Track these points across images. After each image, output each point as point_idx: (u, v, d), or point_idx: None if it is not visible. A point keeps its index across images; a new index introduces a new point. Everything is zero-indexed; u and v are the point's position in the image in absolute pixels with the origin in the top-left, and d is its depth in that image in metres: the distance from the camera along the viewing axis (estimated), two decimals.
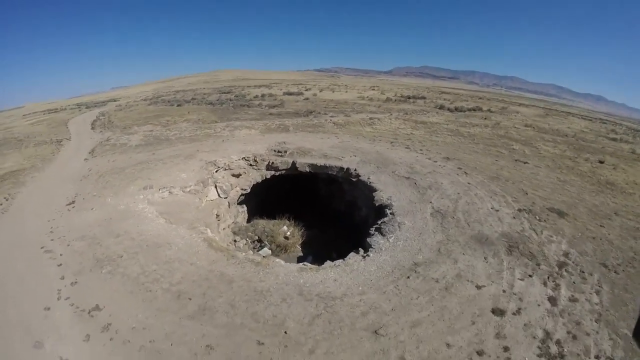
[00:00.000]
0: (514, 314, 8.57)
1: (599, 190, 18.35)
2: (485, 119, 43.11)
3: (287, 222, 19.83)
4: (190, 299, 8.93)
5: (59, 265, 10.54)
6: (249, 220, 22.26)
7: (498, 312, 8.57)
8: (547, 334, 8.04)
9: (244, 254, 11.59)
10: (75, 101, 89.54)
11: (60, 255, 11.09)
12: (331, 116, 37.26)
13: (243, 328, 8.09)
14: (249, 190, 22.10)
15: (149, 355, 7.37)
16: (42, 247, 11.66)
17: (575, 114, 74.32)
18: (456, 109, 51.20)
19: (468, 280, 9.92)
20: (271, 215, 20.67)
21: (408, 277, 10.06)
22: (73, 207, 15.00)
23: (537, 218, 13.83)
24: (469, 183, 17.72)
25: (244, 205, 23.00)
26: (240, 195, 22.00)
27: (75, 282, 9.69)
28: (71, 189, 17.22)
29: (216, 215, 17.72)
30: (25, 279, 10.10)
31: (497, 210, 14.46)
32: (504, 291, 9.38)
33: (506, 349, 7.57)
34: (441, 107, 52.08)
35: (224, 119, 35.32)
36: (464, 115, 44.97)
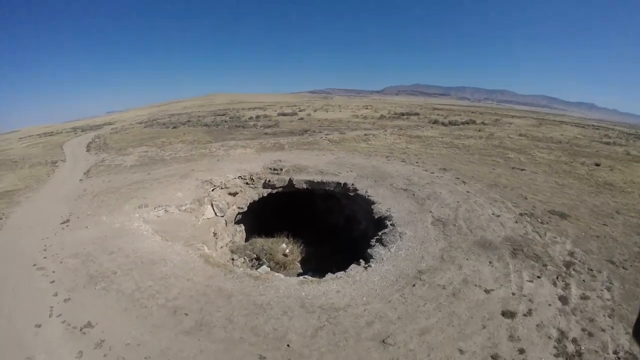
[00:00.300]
0: (524, 315, 8.36)
1: (598, 191, 18.42)
2: (479, 130, 43.77)
3: (286, 239, 19.52)
4: (186, 315, 8.56)
5: (51, 282, 10.18)
6: (247, 240, 21.89)
7: (508, 314, 8.35)
8: (562, 333, 7.81)
9: (242, 269, 11.29)
10: (71, 125, 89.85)
11: (53, 272, 10.73)
12: (326, 134, 37.57)
13: (243, 343, 7.73)
14: (245, 209, 21.88)
15: None
16: (34, 265, 11.31)
17: (568, 122, 75.67)
18: (450, 122, 52.00)
19: (475, 285, 9.66)
20: (269, 234, 20.36)
21: (413, 285, 9.80)
22: (67, 225, 14.69)
23: (540, 221, 13.75)
24: (467, 192, 17.75)
25: (242, 225, 22.71)
26: (238, 214, 21.75)
27: (68, 299, 9.31)
28: (66, 209, 16.94)
29: (213, 233, 17.42)
30: (17, 295, 9.70)
31: (499, 216, 14.39)
32: (513, 294, 9.19)
33: (521, 351, 7.31)
34: (435, 122, 52.92)
35: (219, 139, 35.47)
36: (458, 129, 45.62)
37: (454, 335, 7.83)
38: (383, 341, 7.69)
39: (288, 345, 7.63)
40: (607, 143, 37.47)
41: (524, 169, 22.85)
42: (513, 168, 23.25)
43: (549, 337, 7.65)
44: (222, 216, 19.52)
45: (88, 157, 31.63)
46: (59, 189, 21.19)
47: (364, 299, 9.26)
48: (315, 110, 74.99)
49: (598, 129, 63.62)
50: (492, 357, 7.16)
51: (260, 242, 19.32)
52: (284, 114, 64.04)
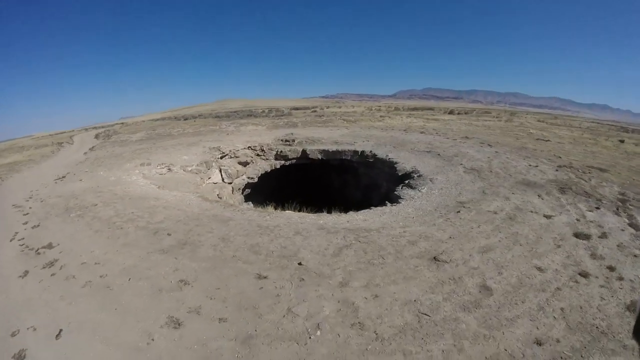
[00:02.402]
0: (600, 237, 6.87)
1: (629, 157, 16.15)
2: (496, 117, 41.36)
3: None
4: (169, 235, 6.84)
5: (25, 215, 8.81)
6: None
7: (582, 236, 6.90)
8: None
9: (246, 206, 9.49)
10: (83, 128, 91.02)
11: (30, 208, 9.34)
12: (340, 117, 35.92)
13: (235, 261, 5.89)
14: (256, 180, 20.14)
15: (93, 291, 5.29)
16: (13, 205, 9.91)
17: (582, 121, 72.10)
18: (465, 112, 49.62)
19: (532, 212, 8.05)
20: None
21: (458, 212, 7.98)
22: (61, 180, 13.32)
23: (580, 171, 12.17)
24: (496, 152, 15.64)
25: (250, 203, 21.03)
26: (246, 186, 20.07)
27: (37, 226, 7.82)
28: (64, 172, 15.67)
29: (218, 195, 15.75)
30: None
31: (536, 166, 12.64)
32: (577, 219, 7.72)
33: (611, 268, 5.78)
34: (450, 112, 50.58)
35: (229, 120, 34.27)
36: (475, 115, 43.26)
37: (524, 254, 6.15)
38: (434, 258, 5.82)
39: (300, 264, 5.72)
40: (626, 131, 34.79)
41: (548, 140, 20.69)
42: (537, 139, 21.10)
43: (635, 256, 6.17)
44: (230, 183, 17.85)
45: (95, 142, 30.81)
46: (61, 160, 20.14)
47: (400, 223, 7.32)
48: (327, 107, 73.64)
49: (614, 126, 60.35)
50: (580, 274, 5.57)
51: None
52: (297, 109, 62.75)
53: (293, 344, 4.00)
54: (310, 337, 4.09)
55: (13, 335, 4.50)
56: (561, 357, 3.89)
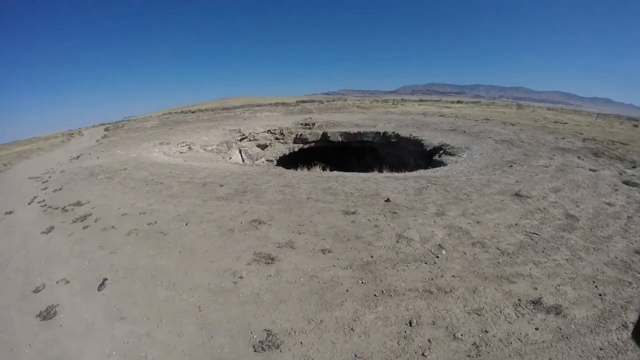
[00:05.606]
0: None
1: None
2: (506, 106, 40.74)
3: None
4: (221, 186, 6.35)
5: (44, 182, 8.35)
6: None
7: (632, 184, 7.11)
8: None
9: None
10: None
11: (50, 177, 8.85)
12: (353, 103, 35.39)
13: (313, 202, 5.47)
14: (276, 163, 19.69)
15: (142, 238, 4.71)
16: (30, 177, 9.46)
17: (586, 115, 71.53)
18: (474, 102, 48.95)
19: (578, 167, 8.24)
20: None
21: (511, 166, 7.91)
22: (76, 159, 12.78)
23: (605, 144, 12.10)
24: (520, 129, 15.32)
25: None
26: None
27: (59, 189, 7.34)
28: (78, 154, 15.13)
29: None
30: None
31: (563, 138, 12.52)
32: (620, 174, 7.91)
33: None
34: (459, 102, 49.90)
35: (243, 109, 33.77)
36: (485, 105, 42.62)
37: (590, 194, 6.37)
38: (516, 194, 5.81)
39: (387, 200, 5.45)
40: (635, 126, 34.34)
41: (566, 123, 20.26)
42: (555, 122, 20.67)
43: None
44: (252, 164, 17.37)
45: (106, 134, 30.38)
46: (73, 147, 19.61)
47: (461, 174, 6.99)
48: (333, 100, 73.21)
49: (623, 117, 59.93)
50: None
51: None
52: (304, 102, 62.30)
53: (421, 264, 3.77)
54: (437, 257, 3.89)
55: (37, 291, 3.91)
56: None
